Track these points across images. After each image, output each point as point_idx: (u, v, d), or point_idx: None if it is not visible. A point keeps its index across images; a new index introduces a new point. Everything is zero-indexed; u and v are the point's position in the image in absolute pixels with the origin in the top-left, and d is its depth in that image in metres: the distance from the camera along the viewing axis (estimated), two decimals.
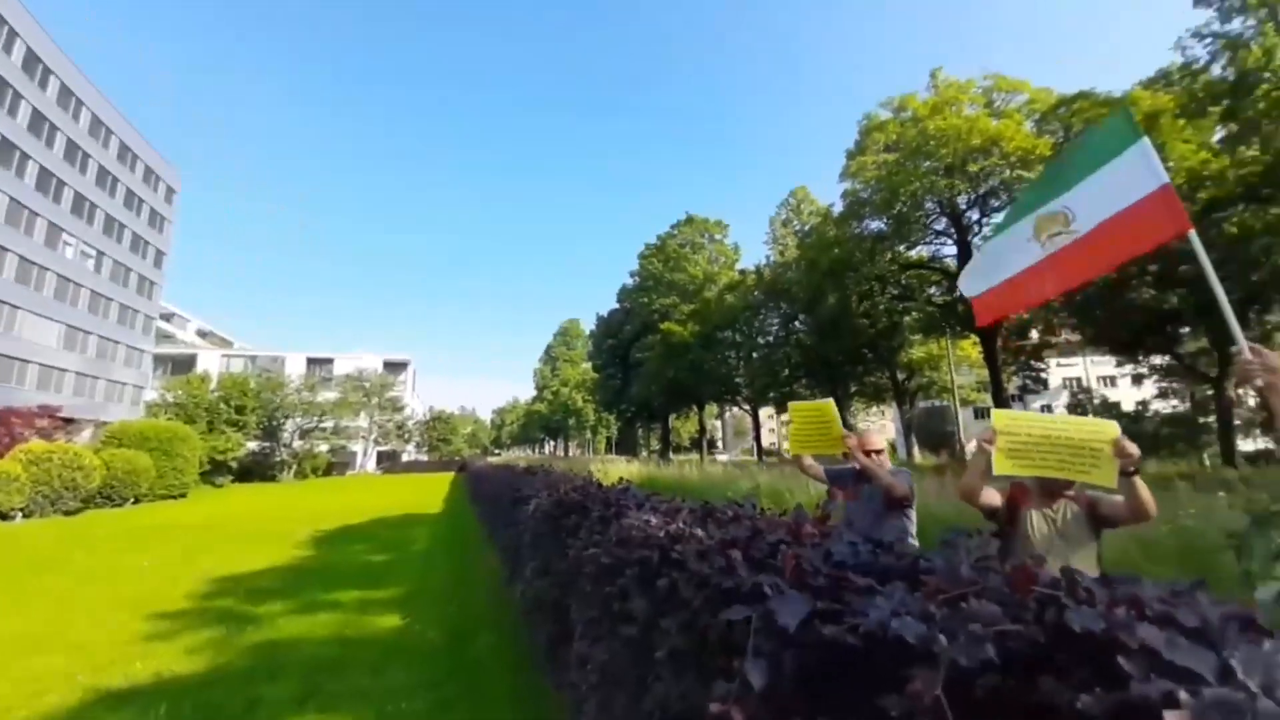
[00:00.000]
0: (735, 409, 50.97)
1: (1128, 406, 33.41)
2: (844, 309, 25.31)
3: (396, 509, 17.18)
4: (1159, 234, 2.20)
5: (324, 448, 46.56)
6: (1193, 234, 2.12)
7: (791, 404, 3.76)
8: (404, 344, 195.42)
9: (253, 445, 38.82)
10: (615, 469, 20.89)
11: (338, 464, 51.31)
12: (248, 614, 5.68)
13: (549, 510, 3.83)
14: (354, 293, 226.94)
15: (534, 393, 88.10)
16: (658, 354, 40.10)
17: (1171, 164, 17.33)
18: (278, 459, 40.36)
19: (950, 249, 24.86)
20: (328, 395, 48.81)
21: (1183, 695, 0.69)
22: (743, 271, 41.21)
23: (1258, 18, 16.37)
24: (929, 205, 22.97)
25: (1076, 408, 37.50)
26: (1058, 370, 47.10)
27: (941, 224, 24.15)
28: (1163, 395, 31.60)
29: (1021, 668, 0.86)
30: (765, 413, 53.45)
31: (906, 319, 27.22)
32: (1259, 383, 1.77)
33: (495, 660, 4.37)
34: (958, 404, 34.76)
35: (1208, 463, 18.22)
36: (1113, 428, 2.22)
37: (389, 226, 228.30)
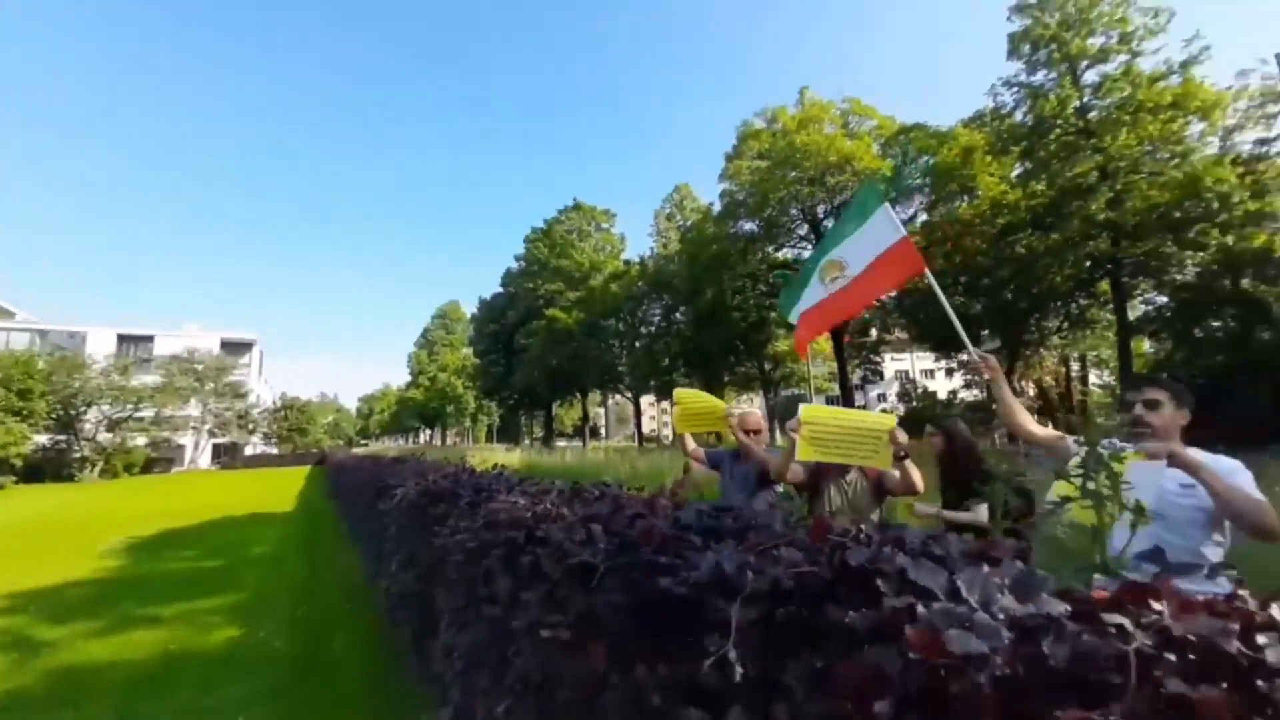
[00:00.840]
0: (618, 397, 51.93)
1: (942, 395, 39.54)
2: (720, 303, 26.88)
3: (238, 509, 15.21)
4: (902, 274, 2.93)
5: (141, 440, 39.55)
6: (928, 273, 2.83)
7: (678, 389, 3.99)
8: (249, 321, 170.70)
9: (43, 439, 31.96)
10: (495, 457, 20.35)
11: (160, 460, 43.82)
12: (42, 636, 4.75)
13: (416, 500, 3.68)
14: (185, 259, 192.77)
15: (408, 378, 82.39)
16: (542, 340, 39.56)
17: (980, 193, 20.62)
18: (77, 455, 33.59)
19: (810, 252, 27.47)
20: (146, 379, 41.41)
21: (919, 608, 0.90)
22: (628, 262, 41.92)
23: (1058, 71, 19.90)
24: (794, 211, 25.13)
25: (904, 395, 43.72)
26: (891, 363, 54.00)
27: (804, 230, 26.56)
28: (967, 386, 37.90)
29: (812, 597, 1.05)
30: (646, 400, 55.11)
31: (773, 314, 29.59)
32: (987, 377, 2.41)
33: (354, 662, 4.12)
34: (813, 392, 38.61)
35: (998, 440, 22.08)
36: (890, 420, 2.74)
37: (233, 186, 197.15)
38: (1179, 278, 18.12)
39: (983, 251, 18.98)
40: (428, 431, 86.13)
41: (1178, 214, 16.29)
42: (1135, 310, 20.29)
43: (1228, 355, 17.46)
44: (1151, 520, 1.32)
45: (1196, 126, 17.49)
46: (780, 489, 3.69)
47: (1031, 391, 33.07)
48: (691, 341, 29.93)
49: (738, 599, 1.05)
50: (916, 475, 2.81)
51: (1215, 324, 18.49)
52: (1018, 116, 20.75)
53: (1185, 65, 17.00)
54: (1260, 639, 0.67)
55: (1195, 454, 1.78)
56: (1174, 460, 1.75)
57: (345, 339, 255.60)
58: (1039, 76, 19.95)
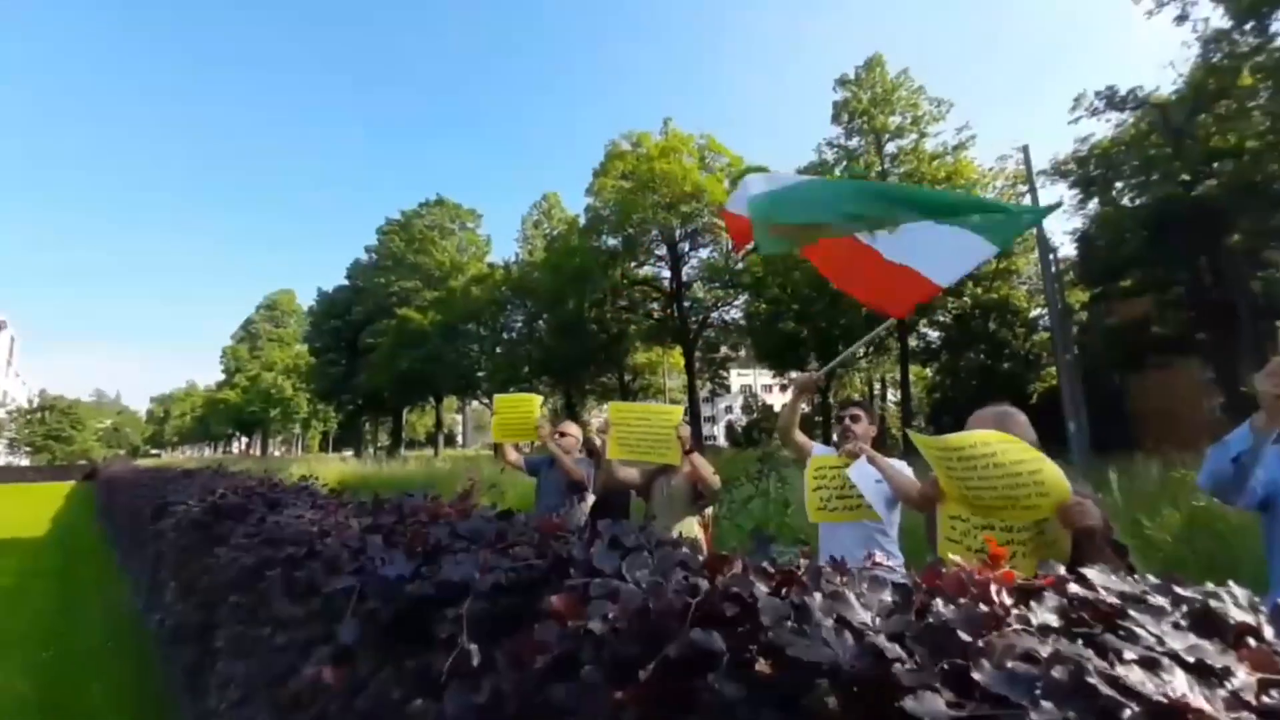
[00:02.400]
0: (476, 403, 49.82)
1: (778, 407, 44.33)
2: (581, 314, 27.37)
3: None
4: (913, 301, 2.62)
5: None
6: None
7: (497, 396, 4.04)
8: None
9: None
10: (325, 469, 18.39)
11: None
12: None
13: (200, 518, 3.35)
14: None
15: (221, 377, 70.66)
16: (393, 340, 36.71)
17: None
18: None
19: (667, 272, 29.33)
20: None
21: (594, 583, 1.18)
22: (492, 265, 40.74)
23: (867, 140, 23.69)
24: (654, 232, 26.65)
25: (746, 407, 48.39)
26: (738, 378, 59.20)
27: (663, 250, 28.27)
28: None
29: (530, 587, 1.29)
30: None
31: (632, 328, 30.85)
32: (797, 392, 2.83)
33: (113, 707, 3.59)
34: (667, 404, 41.19)
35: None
36: (676, 413, 2.86)
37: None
38: (943, 318, 22.58)
39: (808, 284, 21.81)
40: (244, 440, 74.58)
41: None
42: (915, 341, 24.80)
43: (979, 382, 22.02)
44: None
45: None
46: (590, 496, 3.98)
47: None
48: (553, 350, 29.99)
49: (469, 595, 1.25)
50: (706, 470, 2.89)
51: (971, 356, 23.24)
52: (836, 172, 24.33)
53: (957, 148, 21.45)
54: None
55: (877, 455, 2.46)
56: (868, 458, 2.44)
57: (135, 328, 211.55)
58: (854, 141, 23.77)
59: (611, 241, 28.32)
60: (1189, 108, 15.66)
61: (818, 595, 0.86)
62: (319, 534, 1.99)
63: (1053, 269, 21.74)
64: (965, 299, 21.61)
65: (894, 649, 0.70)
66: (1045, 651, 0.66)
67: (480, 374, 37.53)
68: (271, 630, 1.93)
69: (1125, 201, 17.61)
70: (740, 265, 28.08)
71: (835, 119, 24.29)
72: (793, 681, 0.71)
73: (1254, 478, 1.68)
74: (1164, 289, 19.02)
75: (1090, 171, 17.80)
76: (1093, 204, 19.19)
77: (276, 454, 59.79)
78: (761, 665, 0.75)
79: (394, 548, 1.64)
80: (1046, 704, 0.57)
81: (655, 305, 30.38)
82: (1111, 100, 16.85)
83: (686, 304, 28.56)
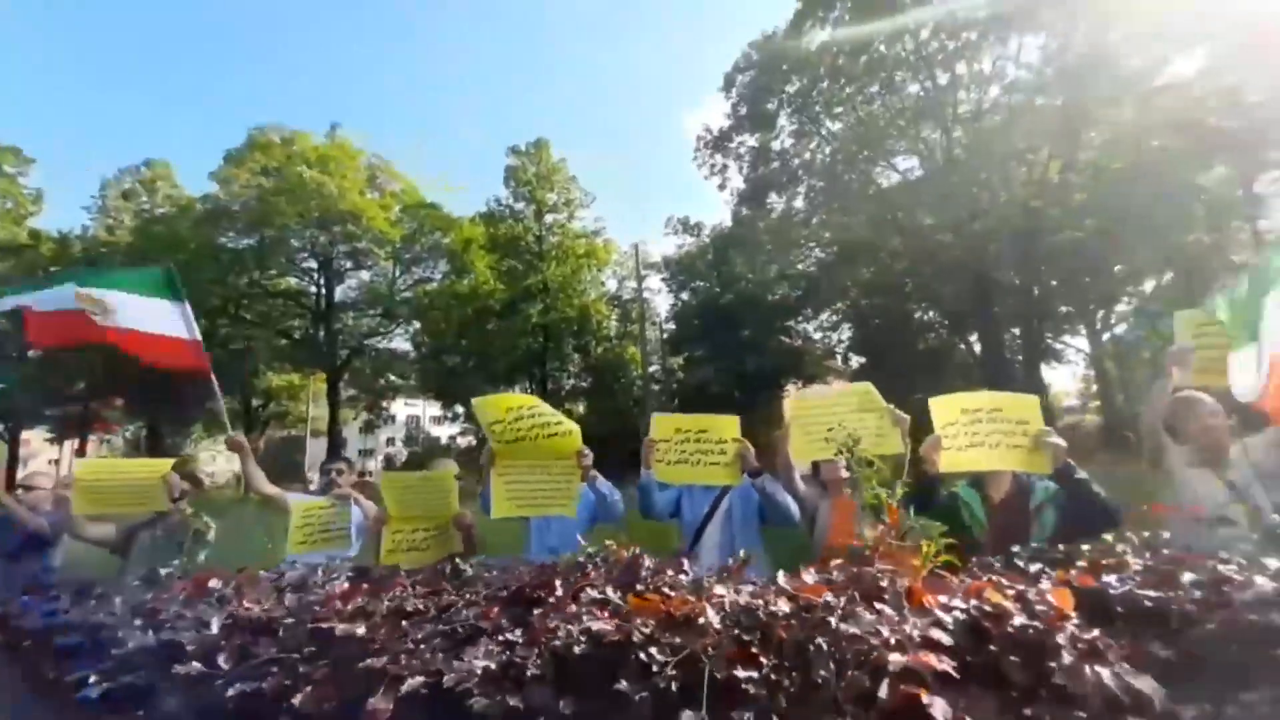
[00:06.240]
0: None
1: (444, 439, 44.02)
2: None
3: None
4: (184, 362, 3.41)
5: None
6: (212, 377, 3.46)
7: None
8: None
9: None
10: None
11: None
12: None
13: None
14: None
15: None
16: None
17: (473, 277, 25.11)
18: None
19: (315, 289, 26.49)
20: None
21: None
22: (38, 234, 28.96)
23: (530, 209, 26.79)
24: (297, 243, 23.87)
25: (410, 439, 46.80)
26: (405, 409, 56.38)
27: (312, 263, 25.46)
28: (463, 433, 43.86)
29: None
30: (41, 437, 37.56)
31: (261, 346, 26.45)
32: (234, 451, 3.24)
33: None
34: (309, 434, 36.16)
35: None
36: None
37: None
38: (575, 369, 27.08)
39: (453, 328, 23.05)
40: None
41: (576, 327, 24.59)
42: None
43: (597, 419, 26.70)
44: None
45: (596, 274, 27.13)
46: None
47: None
48: (129, 363, 22.98)
49: None
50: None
51: (597, 400, 28.02)
52: (503, 229, 26.80)
53: (594, 234, 26.40)
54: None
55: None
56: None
57: None
58: (520, 205, 26.64)
59: (245, 241, 24.00)
60: (725, 241, 23.37)
61: None
62: None
63: (657, 337, 28.38)
64: (592, 357, 26.29)
65: None
66: None
67: None
68: None
69: (686, 296, 24.77)
70: (408, 294, 27.41)
71: (507, 182, 26.85)
72: None
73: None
74: (715, 360, 27.12)
75: (674, 272, 24.44)
76: (684, 294, 26.28)
77: None
78: None
79: None
80: None
81: (297, 323, 26.76)
82: (685, 225, 23.80)
83: (337, 327, 26.12)
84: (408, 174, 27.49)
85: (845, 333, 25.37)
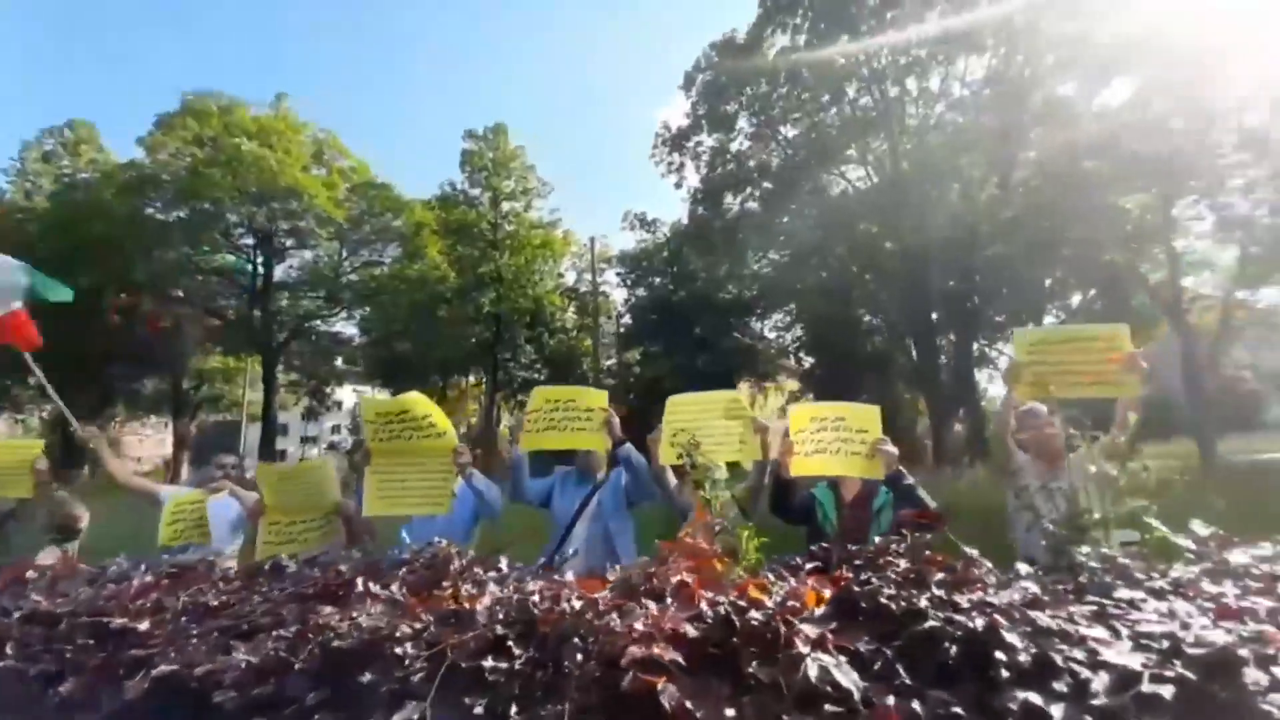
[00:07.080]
0: None
1: None
2: (101, 297, 20.61)
3: None
4: (15, 340, 3.17)
5: None
6: (28, 357, 3.20)
7: None
8: None
9: None
10: None
11: None
12: None
13: None
14: None
15: None
16: None
17: (424, 262, 24.48)
18: None
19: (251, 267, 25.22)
20: None
21: None
22: None
23: (486, 196, 26.22)
24: (233, 218, 22.63)
25: (355, 428, 45.50)
26: (353, 396, 54.62)
27: (250, 240, 24.19)
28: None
29: None
30: None
31: (191, 324, 25.02)
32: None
33: None
34: (245, 419, 34.57)
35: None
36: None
37: None
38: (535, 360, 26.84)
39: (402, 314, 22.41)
40: None
41: (530, 318, 24.35)
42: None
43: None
44: None
45: (552, 265, 26.89)
46: None
47: (463, 429, 40.03)
48: (54, 340, 21.32)
49: None
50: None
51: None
52: (456, 214, 26.19)
53: (550, 224, 26.10)
54: None
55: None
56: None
57: None
58: (476, 191, 26.07)
59: (176, 214, 22.57)
60: (681, 239, 23.56)
61: None
62: None
63: (613, 332, 28.35)
64: (548, 350, 26.10)
65: None
66: None
67: None
68: None
69: (641, 292, 24.89)
70: (354, 277, 26.42)
71: (462, 166, 26.18)
72: None
73: None
74: (669, 356, 27.34)
75: (630, 267, 24.49)
76: (640, 290, 26.32)
77: None
78: None
79: None
80: None
81: (232, 303, 25.39)
82: (643, 222, 23.84)
83: (275, 307, 24.92)
84: (359, 152, 26.43)
85: (798, 332, 26.03)
